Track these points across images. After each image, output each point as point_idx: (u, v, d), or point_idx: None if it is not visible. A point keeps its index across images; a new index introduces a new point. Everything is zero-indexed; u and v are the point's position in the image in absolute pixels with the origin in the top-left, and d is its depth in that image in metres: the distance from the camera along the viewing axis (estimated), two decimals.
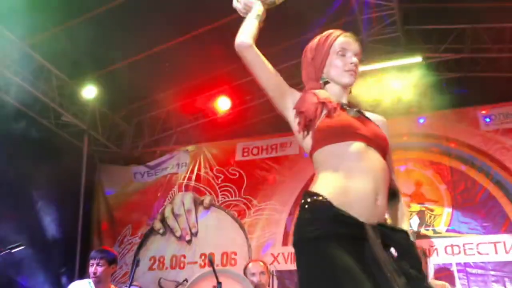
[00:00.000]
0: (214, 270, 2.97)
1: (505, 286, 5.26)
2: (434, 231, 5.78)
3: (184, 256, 6.61)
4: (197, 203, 6.94)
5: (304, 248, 1.57)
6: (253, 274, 3.78)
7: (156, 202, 7.17)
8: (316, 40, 1.91)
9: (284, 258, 6.14)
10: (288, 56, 5.16)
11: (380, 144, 1.74)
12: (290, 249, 5.72)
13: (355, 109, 1.81)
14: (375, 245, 1.52)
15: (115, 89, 6.72)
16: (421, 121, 6.40)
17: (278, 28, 4.75)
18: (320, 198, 1.59)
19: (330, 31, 1.90)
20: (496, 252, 5.42)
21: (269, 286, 4.57)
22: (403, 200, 1.88)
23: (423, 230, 5.83)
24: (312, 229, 1.56)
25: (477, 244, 5.52)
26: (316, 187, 1.64)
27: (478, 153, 5.92)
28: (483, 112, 6.11)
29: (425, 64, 6.34)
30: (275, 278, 5.80)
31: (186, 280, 5.60)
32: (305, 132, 1.76)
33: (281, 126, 7.57)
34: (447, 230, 5.72)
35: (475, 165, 5.89)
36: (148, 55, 6.11)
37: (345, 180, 1.62)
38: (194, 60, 6.09)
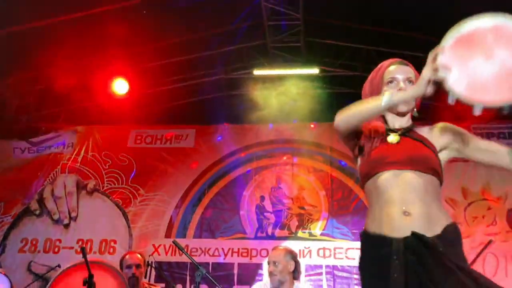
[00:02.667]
0: (86, 262, 2.88)
1: None
2: (310, 234, 6.17)
3: (60, 241, 6.30)
4: (80, 187, 6.64)
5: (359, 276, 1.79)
6: (129, 266, 3.74)
7: (35, 181, 6.73)
8: (371, 74, 1.99)
9: (165, 249, 6.13)
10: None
11: (416, 163, 1.76)
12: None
13: (398, 133, 1.87)
14: (399, 258, 1.61)
15: (2, 55, 6.16)
16: (313, 127, 6.77)
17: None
18: (363, 232, 1.81)
19: (382, 63, 1.96)
20: None
21: (145, 277, 4.55)
22: None
23: (300, 233, 6.19)
24: (359, 260, 1.80)
25: (346, 249, 5.99)
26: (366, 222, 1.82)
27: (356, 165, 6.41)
28: None
29: (321, 77, 6.71)
30: (153, 269, 5.82)
31: (59, 265, 5.36)
32: (356, 164, 1.96)
33: (178, 117, 7.56)
34: (322, 234, 6.14)
35: (353, 176, 6.38)
36: (40, 26, 5.68)
37: (379, 210, 1.75)
38: (91, 38, 5.80)
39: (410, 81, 1.88)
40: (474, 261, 3.05)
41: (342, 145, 6.50)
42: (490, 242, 3.19)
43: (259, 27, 6.33)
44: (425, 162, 1.77)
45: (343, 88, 6.95)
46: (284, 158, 6.63)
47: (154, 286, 3.85)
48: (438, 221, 1.68)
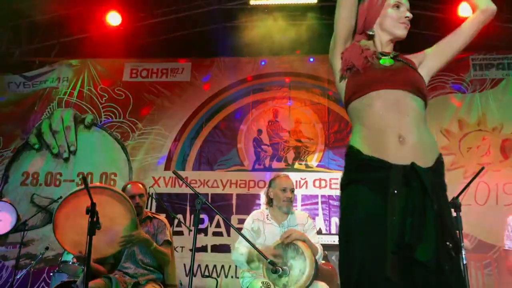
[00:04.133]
0: (88, 191, 2.94)
1: None
2: (307, 166, 6.28)
3: (61, 174, 6.41)
4: (77, 121, 6.66)
5: (340, 193, 1.76)
6: (132, 196, 3.80)
7: (32, 116, 6.73)
8: None
9: (165, 181, 6.26)
10: None
11: (409, 85, 1.78)
12: (172, 173, 5.85)
13: (390, 56, 1.87)
14: (393, 185, 1.61)
15: None
16: (311, 60, 6.69)
17: None
18: (351, 149, 1.74)
19: None
20: None
21: (146, 207, 4.67)
22: None
23: (297, 164, 6.30)
24: (345, 177, 1.75)
25: None
26: (350, 140, 1.78)
27: None
28: None
29: (319, 7, 6.52)
30: (153, 200, 5.98)
31: (61, 197, 5.46)
32: (343, 81, 1.87)
33: (174, 50, 7.42)
34: (318, 166, 6.25)
35: None
36: None
37: (373, 131, 1.72)
38: None
39: (409, 12, 1.91)
40: (465, 189, 3.12)
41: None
42: (482, 169, 3.25)
43: None
44: (417, 85, 1.78)
45: None
46: (281, 91, 6.61)
47: (157, 215, 3.93)
48: (430, 151, 1.71)
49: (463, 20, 1.93)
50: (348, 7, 1.86)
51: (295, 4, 6.45)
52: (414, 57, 1.94)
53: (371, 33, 1.92)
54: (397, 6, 1.89)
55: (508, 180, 5.75)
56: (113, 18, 6.61)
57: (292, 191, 3.53)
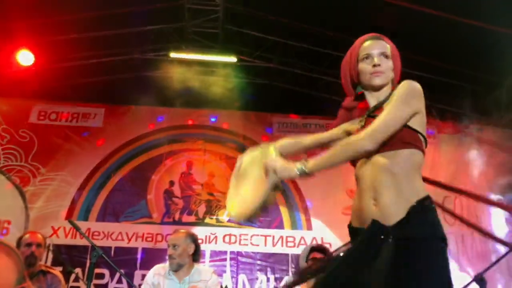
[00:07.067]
0: None
1: (267, 274, 5.97)
2: (217, 220, 6.23)
3: None
4: None
5: None
6: (29, 244, 3.54)
7: None
8: (347, 53, 1.91)
9: (65, 232, 5.86)
10: None
11: (381, 144, 1.72)
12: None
13: (364, 116, 1.84)
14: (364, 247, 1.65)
15: None
16: (213, 120, 6.80)
17: None
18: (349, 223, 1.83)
19: (357, 40, 1.90)
20: (265, 244, 6.11)
21: (41, 260, 4.32)
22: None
23: (207, 219, 6.22)
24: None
25: (251, 236, 6.13)
26: None
27: None
28: (276, 118, 6.84)
29: (238, 65, 6.75)
30: (50, 252, 5.54)
31: None
32: None
33: (88, 95, 7.19)
34: (228, 221, 6.21)
35: None
36: None
37: (357, 201, 1.77)
38: None
39: (385, 56, 1.84)
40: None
41: (255, 134, 6.63)
42: None
43: (178, 10, 6.21)
44: (389, 139, 1.68)
45: (258, 79, 7.06)
46: (197, 144, 6.61)
47: (52, 269, 3.67)
48: (403, 203, 1.63)
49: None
50: None
51: (214, 61, 6.62)
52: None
53: (357, 92, 1.91)
54: (367, 57, 1.84)
55: None
56: (25, 57, 6.30)
57: (173, 246, 3.42)
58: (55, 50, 6.45)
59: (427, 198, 1.66)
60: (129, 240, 5.91)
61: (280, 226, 6.25)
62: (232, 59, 6.64)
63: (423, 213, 1.63)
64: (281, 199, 6.35)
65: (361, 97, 1.92)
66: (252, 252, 6.07)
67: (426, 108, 1.81)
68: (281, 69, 7.07)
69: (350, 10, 5.53)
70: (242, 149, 6.47)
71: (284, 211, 6.35)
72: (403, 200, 1.63)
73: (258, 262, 6.01)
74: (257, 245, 6.08)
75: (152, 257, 5.80)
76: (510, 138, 6.24)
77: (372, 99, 1.86)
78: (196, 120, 6.76)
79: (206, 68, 6.74)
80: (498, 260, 3.13)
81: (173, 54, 6.55)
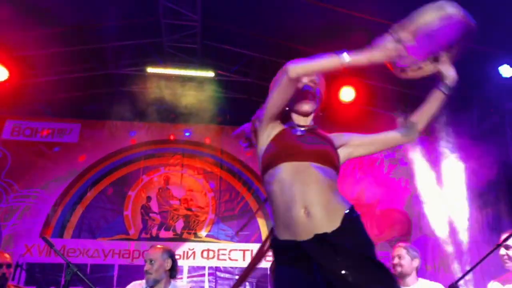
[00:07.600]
0: None
1: None
2: (196, 235, 6.17)
3: None
4: None
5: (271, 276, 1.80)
6: None
7: None
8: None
9: (39, 250, 5.73)
10: None
11: (317, 156, 1.81)
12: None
13: (302, 129, 1.93)
14: (317, 256, 1.63)
15: None
16: (187, 134, 6.77)
17: None
18: (272, 232, 1.83)
19: None
20: (244, 259, 6.08)
21: (13, 279, 4.21)
22: None
23: (185, 234, 6.16)
24: (273, 261, 1.87)
25: (230, 251, 6.10)
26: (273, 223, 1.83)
27: (245, 168, 6.59)
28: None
29: (216, 80, 6.78)
30: (23, 271, 5.40)
31: None
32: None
33: (63, 110, 7.09)
34: (207, 236, 6.18)
35: (241, 178, 6.52)
36: None
37: (283, 211, 1.75)
38: None
39: (314, 82, 2.00)
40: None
41: (233, 148, 6.62)
42: None
43: (155, 25, 6.22)
44: (325, 156, 1.83)
45: (236, 94, 7.08)
46: (174, 158, 6.57)
47: None
48: (336, 212, 1.72)
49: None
50: (285, 96, 1.88)
51: (192, 76, 6.63)
52: (335, 136, 2.02)
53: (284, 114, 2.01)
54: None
55: None
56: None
57: (150, 261, 3.37)
58: (29, 64, 6.36)
59: (353, 207, 1.79)
60: (106, 257, 5.81)
61: (259, 240, 6.23)
62: (210, 74, 6.66)
63: (356, 221, 1.76)
64: (259, 212, 6.35)
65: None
66: (231, 267, 6.02)
67: None
68: (258, 84, 7.12)
69: (326, 27, 5.64)
70: (220, 164, 6.52)
71: (262, 224, 6.34)
72: (336, 210, 1.74)
73: (237, 277, 5.96)
74: (236, 260, 6.04)
75: (129, 274, 5.70)
76: None
77: (298, 118, 2.04)
78: (173, 135, 6.73)
79: (183, 82, 6.74)
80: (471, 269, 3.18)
81: (150, 69, 6.53)
